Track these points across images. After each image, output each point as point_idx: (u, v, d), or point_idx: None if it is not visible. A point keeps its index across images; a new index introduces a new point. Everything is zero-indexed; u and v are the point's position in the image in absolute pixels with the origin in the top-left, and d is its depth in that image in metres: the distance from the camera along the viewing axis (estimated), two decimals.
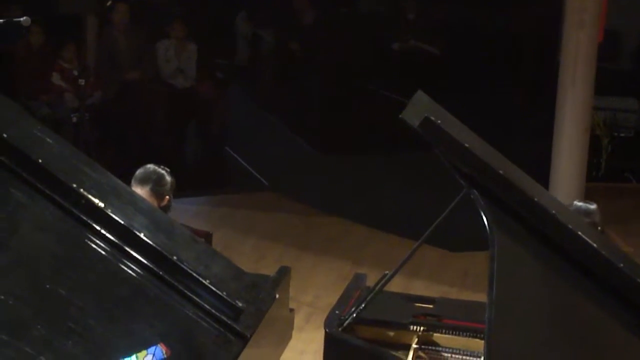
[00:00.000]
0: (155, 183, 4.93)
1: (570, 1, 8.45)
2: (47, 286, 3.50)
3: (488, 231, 3.98)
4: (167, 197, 4.96)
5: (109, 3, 10.77)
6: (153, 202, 4.88)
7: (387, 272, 4.90)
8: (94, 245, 3.63)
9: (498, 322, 3.83)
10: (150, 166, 5.03)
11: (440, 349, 4.84)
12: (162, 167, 5.06)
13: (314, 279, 7.96)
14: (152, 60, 10.54)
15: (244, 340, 3.59)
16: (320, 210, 9.59)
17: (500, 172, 4.10)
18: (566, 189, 8.38)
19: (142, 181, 4.93)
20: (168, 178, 5.01)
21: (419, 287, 7.58)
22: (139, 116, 10.31)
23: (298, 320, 6.02)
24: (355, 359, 4.75)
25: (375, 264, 7.86)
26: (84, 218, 3.64)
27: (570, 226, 4.10)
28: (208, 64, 11.16)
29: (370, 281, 5.29)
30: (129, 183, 4.82)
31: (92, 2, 9.80)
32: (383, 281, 4.83)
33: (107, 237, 3.64)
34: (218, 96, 10.99)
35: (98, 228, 3.64)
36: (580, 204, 5.20)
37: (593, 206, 5.17)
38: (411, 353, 4.73)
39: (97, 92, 9.98)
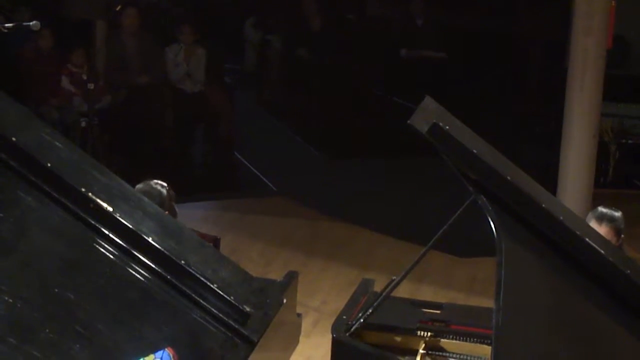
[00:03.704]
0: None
1: (578, 7, 8.44)
2: (55, 290, 3.51)
3: (495, 237, 3.98)
4: (166, 212, 4.88)
5: (118, 7, 10.79)
6: None
7: (394, 277, 4.89)
8: (102, 249, 3.64)
9: (505, 328, 3.83)
10: (148, 184, 4.96)
11: (447, 354, 4.83)
12: (158, 183, 5.00)
13: (321, 284, 7.96)
14: (161, 64, 10.56)
15: (251, 344, 3.59)
16: (327, 215, 9.59)
17: (508, 178, 4.10)
18: (574, 195, 8.37)
19: None
20: (165, 194, 4.96)
21: (426, 293, 7.57)
22: (147, 120, 10.33)
23: (305, 325, 6.02)
24: None
25: (383, 269, 7.85)
26: (93, 222, 3.65)
27: (577, 232, 4.10)
28: (217, 69, 11.19)
29: (378, 286, 5.29)
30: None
31: (102, 6, 9.81)
32: (390, 286, 4.83)
33: (115, 241, 3.64)
34: (226, 101, 11.00)
35: (106, 232, 3.65)
36: (605, 210, 5.22)
37: (618, 213, 5.20)
38: (418, 358, 4.73)
39: (106, 97, 10.00)
